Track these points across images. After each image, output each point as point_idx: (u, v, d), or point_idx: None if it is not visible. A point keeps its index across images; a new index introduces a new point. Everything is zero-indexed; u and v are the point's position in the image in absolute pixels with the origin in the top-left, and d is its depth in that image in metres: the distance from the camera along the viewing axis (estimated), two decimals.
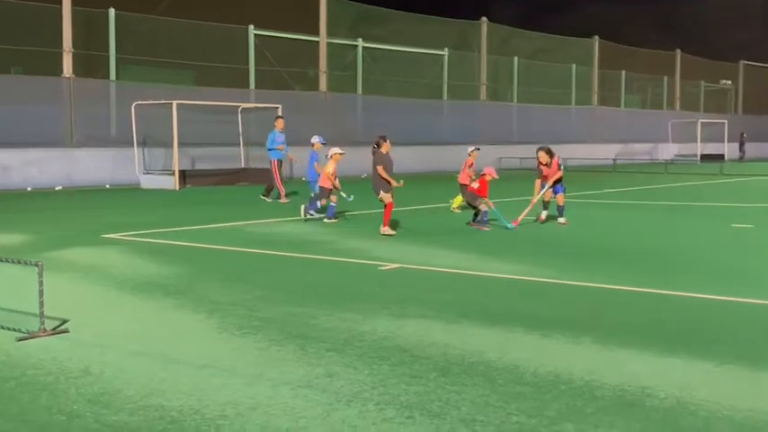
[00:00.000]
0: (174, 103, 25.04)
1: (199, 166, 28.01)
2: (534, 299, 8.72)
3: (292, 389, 5.52)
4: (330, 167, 15.58)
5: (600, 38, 49.54)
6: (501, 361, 6.17)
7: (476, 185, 15.06)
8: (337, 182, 15.61)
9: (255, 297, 8.59)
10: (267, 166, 27.86)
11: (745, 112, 62.92)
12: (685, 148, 51.03)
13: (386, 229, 13.68)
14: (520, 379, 5.74)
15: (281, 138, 20.89)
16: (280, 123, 21.25)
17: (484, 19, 41.94)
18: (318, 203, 16.07)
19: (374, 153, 13.96)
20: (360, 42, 36.67)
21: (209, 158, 28.20)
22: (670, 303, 8.50)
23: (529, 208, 15.20)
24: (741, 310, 8.16)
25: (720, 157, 48.40)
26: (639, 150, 50.21)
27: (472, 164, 16.98)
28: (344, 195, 15.45)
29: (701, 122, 51.51)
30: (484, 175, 15.05)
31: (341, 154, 15.75)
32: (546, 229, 14.72)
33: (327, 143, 18.34)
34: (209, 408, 5.15)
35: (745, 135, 54.23)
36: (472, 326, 7.33)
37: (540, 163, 15.25)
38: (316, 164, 17.04)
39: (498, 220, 14.97)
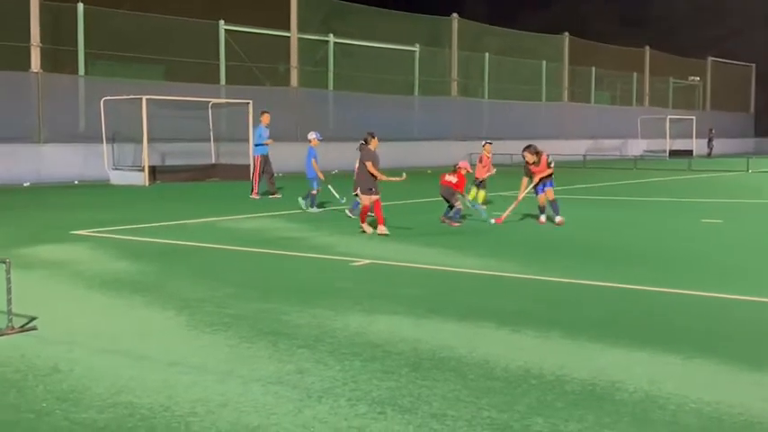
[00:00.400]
0: (144, 98, 24.86)
1: (169, 162, 27.84)
2: (504, 294, 8.76)
3: (263, 385, 5.50)
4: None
5: (570, 34, 49.82)
6: (472, 356, 6.19)
7: (453, 180, 14.76)
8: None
9: (226, 294, 8.55)
10: (240, 161, 27.94)
11: (713, 109, 63.57)
12: (654, 144, 51.49)
13: (365, 226, 13.35)
14: (490, 374, 5.76)
15: (266, 132, 20.65)
16: (266, 118, 20.91)
17: (455, 15, 42.02)
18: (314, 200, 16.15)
19: (362, 149, 13.62)
20: (331, 38, 36.61)
21: (180, 154, 28.03)
22: (638, 298, 8.57)
23: (513, 205, 15.11)
24: (708, 304, 8.24)
25: (689, 153, 48.87)
26: (609, 146, 50.59)
27: (485, 158, 16.88)
28: (337, 196, 15.33)
29: (670, 119, 52.00)
30: (459, 169, 14.90)
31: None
32: (515, 225, 14.77)
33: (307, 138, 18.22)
34: (180, 405, 5.12)
35: (713, 131, 54.78)
36: (443, 321, 7.34)
37: (528, 162, 14.89)
38: (313, 160, 16.98)
39: (474, 214, 15.09)
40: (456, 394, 5.33)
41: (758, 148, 63.48)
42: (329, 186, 15.88)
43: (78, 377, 5.71)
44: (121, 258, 10.94)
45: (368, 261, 10.65)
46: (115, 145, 26.46)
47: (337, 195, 15.41)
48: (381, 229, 13.18)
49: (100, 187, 24.23)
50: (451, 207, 14.84)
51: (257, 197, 20.07)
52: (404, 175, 13.80)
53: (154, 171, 25.76)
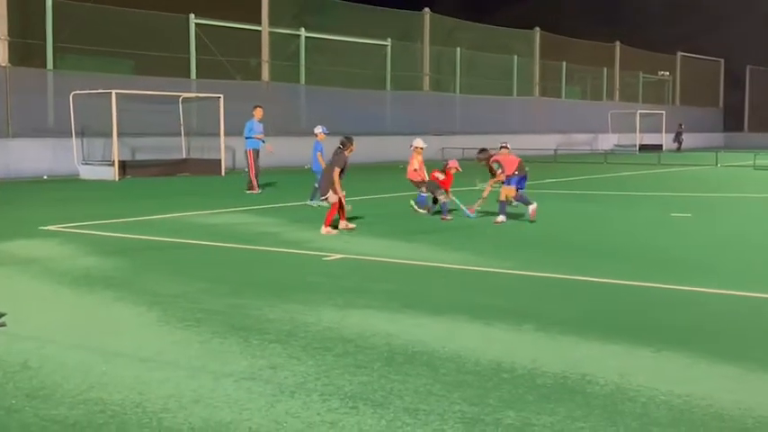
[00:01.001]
0: (113, 92, 24.65)
1: (139, 157, 27.65)
2: (477, 288, 8.79)
3: (235, 381, 5.49)
4: (416, 163, 15.81)
5: (541, 29, 50.01)
6: (444, 350, 6.21)
7: (441, 176, 15.30)
8: (424, 173, 15.80)
9: (198, 289, 8.51)
10: (211, 156, 27.81)
11: (682, 103, 64.09)
12: (624, 139, 51.84)
13: (327, 230, 12.86)
14: (463, 368, 5.78)
15: (259, 127, 20.44)
16: (259, 112, 20.69)
17: (426, 10, 42.02)
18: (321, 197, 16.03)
19: (338, 153, 13.34)
20: (302, 32, 36.47)
21: (150, 149, 27.84)
22: (610, 291, 8.64)
23: (483, 197, 15.12)
24: (678, 297, 8.32)
25: (659, 148, 49.26)
26: (580, 141, 50.85)
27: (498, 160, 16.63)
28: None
29: (640, 113, 52.37)
30: (449, 168, 15.42)
31: (422, 148, 15.97)
32: (487, 220, 14.81)
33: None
34: (151, 401, 5.10)
35: (682, 126, 55.25)
36: (416, 316, 7.36)
37: (494, 161, 14.67)
38: (319, 154, 16.93)
39: (458, 209, 15.26)
40: (428, 388, 5.34)
41: (727, 142, 64.13)
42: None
43: (48, 373, 5.66)
44: (92, 254, 10.85)
45: (341, 256, 10.65)
46: (85, 139, 26.23)
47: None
48: (327, 229, 12.85)
49: (69, 182, 24.02)
50: (435, 201, 15.26)
51: (258, 191, 19.90)
52: (350, 207, 13.33)
53: (124, 166, 25.57)
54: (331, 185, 12.99)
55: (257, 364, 5.87)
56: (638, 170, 31.76)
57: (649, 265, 10.28)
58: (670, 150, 50.84)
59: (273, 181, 23.04)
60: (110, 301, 8.03)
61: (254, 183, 20.10)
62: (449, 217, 14.73)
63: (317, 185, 16.43)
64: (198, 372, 5.70)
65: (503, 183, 14.45)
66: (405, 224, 14.17)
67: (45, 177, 25.11)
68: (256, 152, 20.33)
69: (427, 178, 15.73)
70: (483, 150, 15.04)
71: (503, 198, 14.36)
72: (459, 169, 15.56)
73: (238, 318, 7.22)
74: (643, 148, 49.72)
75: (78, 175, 25.49)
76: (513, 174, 14.40)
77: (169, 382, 5.47)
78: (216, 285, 8.74)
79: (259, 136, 20.29)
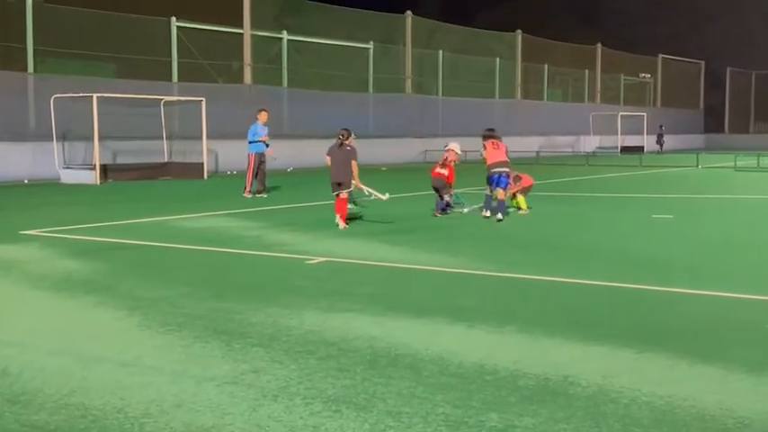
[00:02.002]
0: (95, 95, 24.54)
1: (121, 161, 27.52)
2: (459, 290, 8.79)
3: (217, 385, 5.46)
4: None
5: (522, 32, 50.17)
6: (427, 352, 6.21)
7: (444, 172, 15.49)
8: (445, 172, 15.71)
9: (179, 293, 8.47)
10: (193, 159, 27.72)
11: (663, 105, 64.47)
12: (606, 141, 52.10)
13: (343, 224, 13.74)
14: (445, 370, 5.78)
15: (263, 131, 20.28)
16: (264, 116, 20.49)
17: (408, 13, 42.08)
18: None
19: (345, 145, 13.75)
20: (285, 35, 36.44)
21: (132, 152, 27.72)
22: (592, 293, 8.66)
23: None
24: (660, 298, 8.35)
25: (640, 149, 49.52)
26: (562, 143, 51.04)
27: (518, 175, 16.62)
28: (374, 195, 14.61)
29: (622, 115, 52.68)
30: (449, 162, 15.64)
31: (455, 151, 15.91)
32: (469, 221, 14.83)
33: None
34: (133, 406, 5.07)
35: (663, 127, 55.56)
36: (399, 318, 7.35)
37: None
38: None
39: (457, 208, 15.70)
40: (411, 391, 5.33)
41: (708, 143, 64.60)
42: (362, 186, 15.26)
43: (29, 379, 5.62)
44: (73, 258, 10.79)
45: (323, 259, 10.63)
46: (66, 143, 26.11)
47: (377, 194, 14.56)
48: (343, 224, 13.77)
49: (50, 186, 23.88)
50: (441, 198, 15.51)
51: (249, 196, 19.79)
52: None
53: (105, 169, 25.44)
54: (354, 177, 13.71)
55: (239, 368, 5.85)
56: (620, 172, 31.90)
57: (631, 266, 10.31)
58: (652, 152, 51.11)
59: (276, 183, 22.96)
60: (90, 305, 7.99)
61: (248, 186, 19.99)
62: (446, 212, 15.32)
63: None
64: (179, 376, 5.67)
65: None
66: (387, 226, 14.16)
67: (26, 182, 24.96)
68: (259, 156, 20.15)
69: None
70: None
71: (501, 198, 15.07)
72: (459, 157, 15.81)
73: (220, 322, 7.20)
74: (625, 149, 49.98)
75: (59, 179, 25.35)
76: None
77: (150, 386, 5.44)
78: (198, 289, 8.71)
79: (264, 138, 20.12)
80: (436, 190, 15.58)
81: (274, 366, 5.88)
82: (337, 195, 13.79)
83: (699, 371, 5.80)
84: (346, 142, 13.87)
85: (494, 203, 14.91)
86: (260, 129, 20.24)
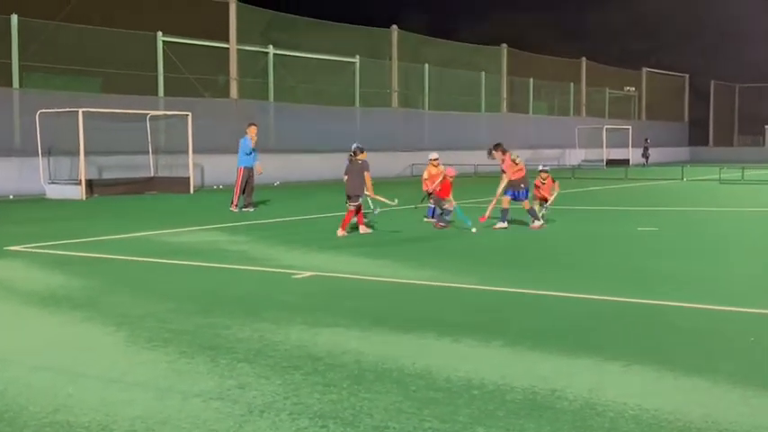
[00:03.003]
0: (80, 110, 24.46)
1: (106, 175, 27.41)
2: (445, 304, 8.79)
3: (203, 401, 5.44)
4: (425, 173, 16.55)
5: (508, 46, 50.39)
6: (414, 367, 6.20)
7: (438, 188, 15.89)
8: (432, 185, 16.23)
9: (166, 309, 8.44)
10: (179, 173, 27.67)
11: (648, 118, 64.80)
12: (592, 154, 52.29)
13: (365, 228, 14.84)
14: (433, 384, 5.77)
15: (251, 144, 20.27)
16: (252, 130, 20.42)
17: (394, 27, 42.21)
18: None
19: (358, 161, 14.56)
20: (271, 49, 36.47)
21: (117, 167, 27.62)
22: (579, 306, 8.68)
23: (492, 204, 15.70)
24: (646, 311, 8.37)
25: (625, 162, 49.74)
26: (548, 156, 51.13)
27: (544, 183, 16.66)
28: (378, 210, 15.56)
29: (607, 128, 52.87)
30: (445, 177, 15.95)
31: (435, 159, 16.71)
32: (455, 235, 14.85)
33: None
34: (118, 423, 5.04)
35: (648, 140, 55.84)
36: (385, 333, 7.35)
37: (500, 160, 15.76)
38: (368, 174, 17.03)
39: (457, 222, 15.68)
40: (398, 406, 5.33)
41: (692, 156, 64.94)
42: (369, 199, 15.33)
43: (14, 396, 5.58)
44: (59, 274, 10.74)
45: (310, 273, 10.61)
46: (51, 158, 25.99)
47: (387, 201, 15.26)
48: (363, 228, 14.83)
49: (36, 201, 23.77)
50: (441, 210, 15.92)
51: (236, 210, 19.69)
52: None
53: (91, 184, 25.35)
54: (367, 188, 14.59)
55: (226, 383, 5.83)
56: (606, 185, 32.02)
57: (617, 279, 10.34)
58: (637, 165, 51.34)
59: (264, 197, 22.93)
60: (76, 321, 7.95)
61: (235, 200, 19.92)
62: (441, 223, 15.52)
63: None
64: (165, 392, 5.64)
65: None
66: (375, 240, 14.15)
67: (11, 197, 24.83)
68: (249, 170, 20.08)
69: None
70: (499, 146, 16.03)
71: (527, 207, 15.74)
72: (454, 175, 16.12)
73: (207, 337, 7.17)
74: (610, 162, 50.18)
75: (45, 194, 25.24)
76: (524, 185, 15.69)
77: (136, 403, 5.42)
78: (184, 304, 8.68)
79: (253, 141, 20.08)
80: (437, 204, 16.10)
81: (260, 382, 5.86)
82: (351, 209, 14.63)
83: (685, 383, 5.82)
84: (358, 157, 14.59)
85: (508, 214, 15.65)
86: (249, 143, 20.16)
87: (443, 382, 5.84)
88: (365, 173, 14.54)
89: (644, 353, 6.60)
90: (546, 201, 16.44)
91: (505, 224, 15.40)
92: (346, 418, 5.10)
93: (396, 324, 7.67)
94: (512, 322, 7.83)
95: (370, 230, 14.86)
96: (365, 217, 15.22)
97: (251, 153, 20.11)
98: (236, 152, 20.48)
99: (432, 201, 16.35)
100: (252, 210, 19.85)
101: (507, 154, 15.66)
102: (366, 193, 14.67)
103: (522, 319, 7.98)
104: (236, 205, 19.86)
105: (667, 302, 8.69)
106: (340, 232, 14.47)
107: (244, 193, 19.99)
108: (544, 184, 16.47)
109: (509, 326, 7.63)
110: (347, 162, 14.82)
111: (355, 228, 14.79)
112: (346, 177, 14.71)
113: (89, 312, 8.29)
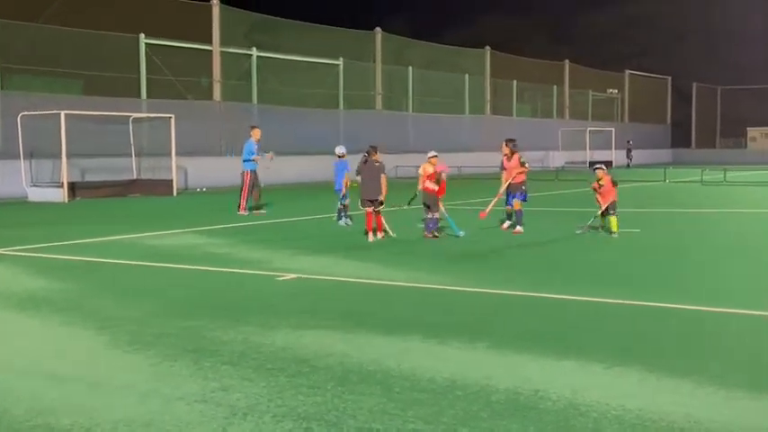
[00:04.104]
0: (62, 113, 24.36)
1: (89, 178, 27.30)
2: (430, 306, 8.79)
3: (187, 404, 5.42)
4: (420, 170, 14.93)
5: (491, 48, 50.50)
6: (398, 369, 6.20)
7: (435, 187, 14.56)
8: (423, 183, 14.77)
9: (148, 312, 8.40)
10: (162, 176, 27.57)
11: (631, 120, 65.10)
12: (575, 156, 52.47)
13: (372, 236, 14.17)
14: (417, 386, 5.77)
15: (256, 148, 20.01)
16: (257, 133, 20.32)
17: (378, 29, 42.23)
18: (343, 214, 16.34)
19: (373, 162, 14.18)
20: (254, 51, 36.42)
21: (100, 170, 27.51)
22: (563, 307, 8.69)
23: (494, 200, 15.82)
24: (628, 312, 8.40)
25: (608, 164, 49.92)
26: (531, 158, 50.97)
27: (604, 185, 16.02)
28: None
29: (590, 130, 53.10)
30: (442, 177, 14.78)
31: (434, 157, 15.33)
32: (443, 238, 14.82)
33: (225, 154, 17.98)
34: (101, 426, 5.01)
35: (631, 142, 56.09)
36: (370, 334, 7.34)
37: (504, 154, 15.64)
38: (347, 174, 16.83)
39: (448, 227, 14.84)
40: (382, 407, 5.32)
41: (675, 158, 65.30)
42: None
43: None
44: (40, 277, 10.67)
45: (294, 276, 10.59)
46: (33, 161, 25.86)
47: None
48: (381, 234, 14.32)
49: (17, 204, 23.63)
50: (431, 215, 14.57)
51: (245, 213, 19.50)
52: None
53: (73, 187, 25.25)
54: (383, 191, 14.10)
55: (209, 386, 5.81)
56: (589, 187, 32.04)
57: (599, 280, 10.38)
58: (620, 167, 51.55)
59: (226, 200, 22.90)
60: (58, 324, 7.90)
61: (243, 204, 19.68)
62: (433, 234, 14.44)
63: (343, 204, 16.39)
64: (148, 395, 5.62)
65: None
66: (357, 243, 14.14)
67: None
68: (254, 173, 19.93)
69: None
70: (511, 141, 15.78)
71: (517, 208, 15.35)
72: (449, 170, 15.45)
73: (190, 340, 7.14)
74: (593, 164, 50.33)
75: (27, 197, 25.10)
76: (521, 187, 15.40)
77: (119, 406, 5.38)
78: (166, 307, 8.64)
79: (256, 158, 19.84)
80: (427, 206, 14.63)
81: (244, 384, 5.84)
82: (367, 210, 14.14)
83: (668, 384, 5.83)
84: (373, 158, 14.20)
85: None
86: (254, 146, 19.98)
87: (427, 383, 5.83)
88: (382, 175, 14.13)
89: (627, 354, 6.62)
90: (609, 208, 15.04)
91: (521, 229, 15.27)
92: (330, 420, 5.09)
93: (381, 326, 7.67)
94: (496, 324, 7.83)
95: (391, 234, 14.35)
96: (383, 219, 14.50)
97: (248, 159, 19.83)
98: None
99: (425, 203, 14.77)
100: (264, 212, 19.73)
101: (517, 154, 15.55)
102: (441, 209, 14.35)
103: (507, 321, 7.99)
104: (245, 208, 19.64)
105: (650, 303, 8.72)
106: (371, 237, 14.09)
107: (251, 195, 19.79)
108: (602, 186, 15.18)
109: (494, 327, 7.64)
110: (362, 162, 14.35)
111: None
112: (359, 179, 14.33)
113: (70, 316, 8.24)
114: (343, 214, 16.79)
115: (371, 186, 14.13)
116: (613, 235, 14.73)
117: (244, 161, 20.04)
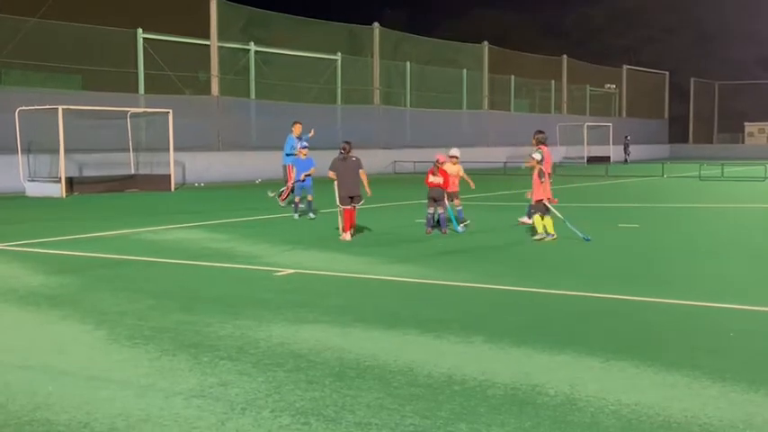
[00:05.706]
0: (60, 108, 24.31)
1: (87, 173, 27.25)
2: (427, 301, 8.80)
3: (185, 399, 5.43)
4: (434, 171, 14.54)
5: (489, 43, 50.46)
6: (396, 363, 6.21)
7: (439, 180, 14.31)
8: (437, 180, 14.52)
9: (146, 306, 8.41)
10: (160, 171, 27.54)
11: (628, 115, 65.09)
12: (573, 151, 52.45)
13: (346, 235, 13.76)
14: (414, 381, 5.79)
15: (297, 143, 19.98)
16: (297, 128, 20.39)
17: (376, 24, 42.18)
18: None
19: (351, 158, 13.95)
20: (252, 46, 36.38)
21: (98, 165, 27.46)
22: (560, 302, 8.71)
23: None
24: (626, 307, 8.42)
25: (606, 159, 49.94)
26: (529, 153, 51.31)
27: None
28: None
29: (588, 125, 53.07)
30: (440, 165, 14.47)
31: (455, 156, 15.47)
32: (440, 234, 14.83)
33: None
34: (99, 421, 5.02)
35: (628, 137, 56.10)
36: (367, 329, 7.36)
37: (537, 148, 15.14)
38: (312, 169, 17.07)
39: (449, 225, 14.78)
40: (380, 402, 5.33)
41: (673, 153, 65.32)
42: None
43: None
44: (38, 272, 10.67)
45: (291, 271, 10.60)
46: (31, 156, 25.83)
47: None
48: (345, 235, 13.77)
49: (15, 199, 23.61)
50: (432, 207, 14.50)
51: (284, 204, 19.73)
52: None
53: (71, 182, 25.21)
54: (365, 185, 13.86)
55: (207, 381, 5.82)
56: (587, 182, 32.13)
57: (597, 275, 10.39)
58: (618, 162, 51.58)
59: (223, 195, 22.90)
60: (56, 319, 7.91)
61: (285, 194, 19.85)
62: (446, 231, 14.47)
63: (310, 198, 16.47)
64: (147, 390, 5.63)
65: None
66: (357, 238, 14.14)
67: None
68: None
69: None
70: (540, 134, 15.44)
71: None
72: (444, 159, 14.87)
73: (188, 335, 7.15)
74: (591, 159, 50.36)
75: (24, 192, 25.07)
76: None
77: (117, 400, 5.40)
78: (165, 302, 8.65)
79: (298, 153, 19.75)
80: (435, 200, 14.44)
81: (242, 379, 5.85)
82: (346, 208, 13.78)
83: (665, 379, 5.85)
84: (351, 153, 14.03)
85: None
86: (295, 142, 20.00)
87: (425, 378, 5.85)
88: (360, 170, 13.95)
89: (624, 348, 6.63)
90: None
91: (527, 219, 15.24)
92: (328, 415, 5.10)
93: (378, 321, 7.68)
94: (494, 319, 7.85)
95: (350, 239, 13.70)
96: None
97: (290, 153, 19.80)
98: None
99: (432, 196, 14.44)
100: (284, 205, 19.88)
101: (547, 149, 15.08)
102: (449, 204, 14.25)
103: (504, 316, 8.00)
104: (285, 199, 19.87)
105: (647, 298, 8.75)
106: (346, 237, 13.64)
107: (293, 191, 19.79)
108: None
109: (491, 322, 7.65)
110: (338, 159, 14.00)
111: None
112: (336, 175, 13.84)
113: (69, 310, 8.25)
114: (295, 207, 17.18)
115: (352, 183, 13.86)
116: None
117: (286, 155, 20.13)
